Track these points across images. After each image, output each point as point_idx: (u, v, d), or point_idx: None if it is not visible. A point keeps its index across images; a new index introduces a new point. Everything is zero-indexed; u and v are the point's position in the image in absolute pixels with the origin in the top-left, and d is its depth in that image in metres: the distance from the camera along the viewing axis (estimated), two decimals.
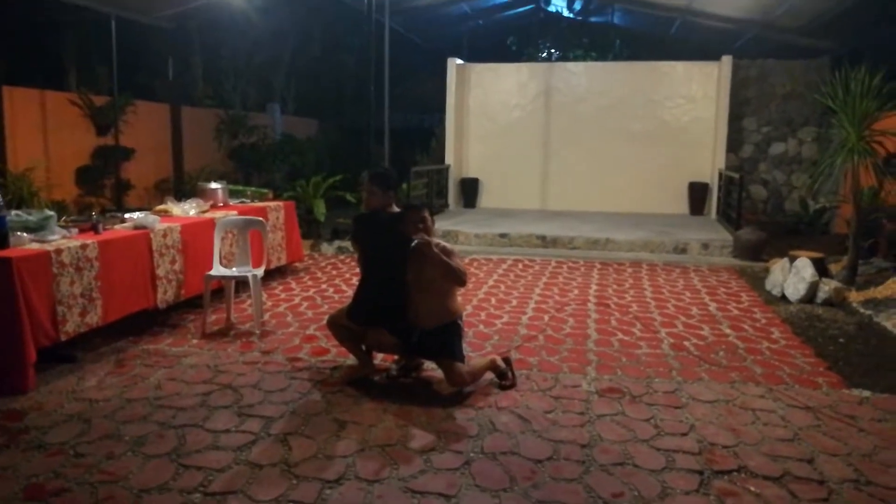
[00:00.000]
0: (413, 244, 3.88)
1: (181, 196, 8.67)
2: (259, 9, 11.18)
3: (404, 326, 4.00)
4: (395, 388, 4.00)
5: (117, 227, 5.03)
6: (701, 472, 3.03)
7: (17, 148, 8.39)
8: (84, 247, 4.34)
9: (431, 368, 4.31)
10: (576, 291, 6.67)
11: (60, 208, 8.43)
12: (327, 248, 8.94)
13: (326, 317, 4.27)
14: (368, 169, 4.29)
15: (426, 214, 3.94)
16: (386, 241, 4.06)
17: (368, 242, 4.17)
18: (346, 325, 4.10)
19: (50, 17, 10.22)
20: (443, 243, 3.94)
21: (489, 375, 4.11)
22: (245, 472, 2.97)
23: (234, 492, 2.80)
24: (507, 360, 4.18)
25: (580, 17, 15.99)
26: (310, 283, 6.90)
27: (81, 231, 4.68)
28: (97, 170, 9.76)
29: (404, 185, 10.02)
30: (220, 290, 5.57)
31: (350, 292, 6.40)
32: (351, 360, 4.40)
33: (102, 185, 9.84)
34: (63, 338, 4.12)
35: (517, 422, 3.54)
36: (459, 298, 4.12)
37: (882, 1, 8.27)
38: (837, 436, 3.41)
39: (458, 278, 3.86)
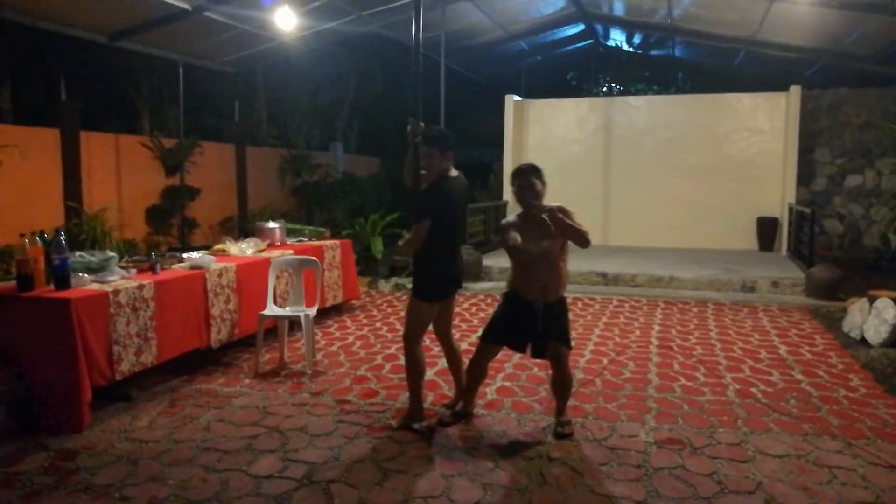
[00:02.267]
0: (540, 212, 3.70)
1: (245, 233, 8.87)
2: (320, 52, 11.50)
3: (526, 303, 3.84)
4: (443, 435, 3.88)
5: (175, 266, 5.14)
6: None
7: (92, 189, 8.78)
8: (141, 287, 4.43)
9: (481, 415, 4.18)
10: (637, 332, 6.42)
11: (131, 246, 8.76)
12: (384, 286, 8.95)
13: (407, 343, 3.92)
14: (424, 136, 3.93)
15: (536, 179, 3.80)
16: (461, 206, 3.98)
17: (448, 210, 3.87)
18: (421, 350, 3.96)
19: (125, 64, 10.77)
20: (557, 205, 3.77)
21: (545, 421, 3.94)
22: None
23: None
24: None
25: (640, 51, 15.80)
26: (365, 321, 6.89)
27: (140, 271, 4.79)
28: (165, 209, 10.10)
29: None
30: (274, 329, 5.61)
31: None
32: (400, 402, 4.32)
33: (170, 224, 10.17)
34: (118, 377, 4.19)
35: (569, 474, 3.36)
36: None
37: None
38: None
39: (585, 240, 3.68)
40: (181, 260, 5.32)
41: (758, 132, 11.49)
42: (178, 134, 10.30)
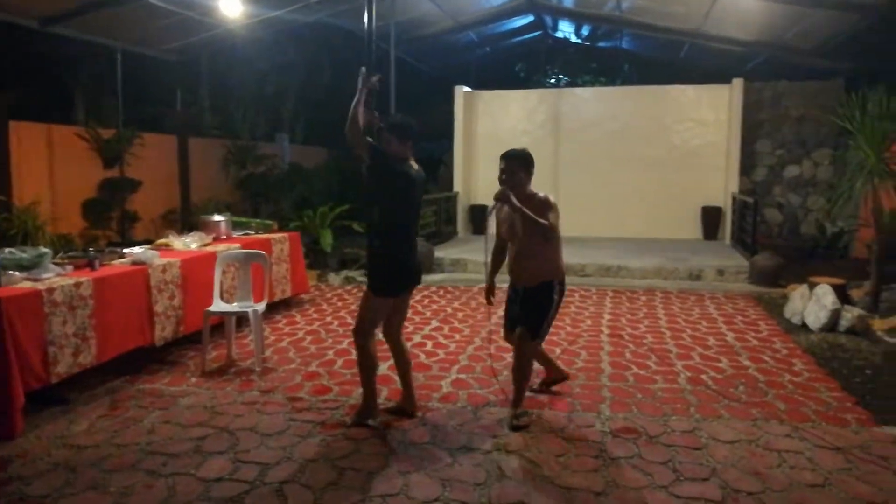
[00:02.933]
0: (496, 194, 3.79)
1: (189, 227, 8.57)
2: (266, 40, 11.21)
3: (512, 289, 4.08)
4: (398, 430, 3.81)
5: (115, 262, 4.91)
6: None
7: (23, 182, 8.36)
8: (78, 285, 4.21)
9: (437, 408, 4.13)
10: (588, 322, 6.47)
11: (66, 241, 8.38)
12: (334, 279, 8.79)
13: (358, 338, 3.81)
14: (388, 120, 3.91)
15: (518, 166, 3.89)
16: (419, 196, 3.90)
17: (407, 192, 3.78)
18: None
19: (59, 51, 10.26)
20: (542, 196, 3.85)
21: (502, 413, 3.91)
22: None
23: None
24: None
25: (588, 43, 15.95)
26: (315, 315, 6.75)
27: (77, 268, 4.56)
28: (104, 202, 9.70)
29: None
30: (221, 326, 5.43)
31: None
32: (353, 398, 4.23)
33: (109, 218, 9.77)
34: (54, 379, 3.98)
35: (527, 467, 3.34)
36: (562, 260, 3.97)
37: (891, 23, 8.12)
38: (871, 480, 3.18)
39: (541, 229, 3.70)
40: (122, 255, 5.08)
41: (702, 123, 11.74)
42: (117, 124, 9.88)
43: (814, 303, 6.25)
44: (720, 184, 11.52)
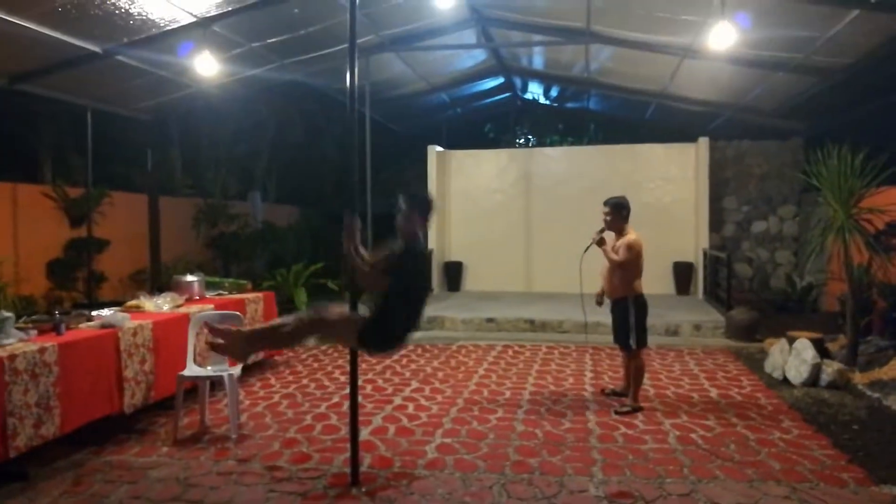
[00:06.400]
0: (595, 234, 5.59)
1: (159, 287, 8.32)
2: (239, 99, 11.21)
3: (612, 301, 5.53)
4: (384, 500, 3.61)
5: (83, 325, 4.69)
6: None
7: None
8: (42, 351, 3.98)
9: (423, 476, 3.95)
10: (571, 380, 6.36)
11: (29, 303, 8.06)
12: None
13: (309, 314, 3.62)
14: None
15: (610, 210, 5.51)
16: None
17: (420, 278, 3.83)
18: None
19: (25, 108, 10.11)
20: (628, 236, 5.37)
21: (490, 479, 3.75)
22: None
23: None
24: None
25: (556, 104, 16.32)
26: (290, 378, 6.52)
27: (41, 332, 4.33)
28: (69, 262, 9.41)
29: None
30: (193, 390, 5.19)
31: (333, 387, 6.04)
32: (336, 466, 4.03)
33: (75, 278, 9.47)
34: (13, 454, 3.71)
35: None
36: (639, 282, 5.38)
37: (848, 86, 8.48)
38: None
39: (615, 262, 5.34)
40: (90, 318, 4.86)
41: (671, 181, 11.96)
42: (85, 183, 9.68)
43: (794, 357, 6.25)
44: (690, 239, 11.68)
